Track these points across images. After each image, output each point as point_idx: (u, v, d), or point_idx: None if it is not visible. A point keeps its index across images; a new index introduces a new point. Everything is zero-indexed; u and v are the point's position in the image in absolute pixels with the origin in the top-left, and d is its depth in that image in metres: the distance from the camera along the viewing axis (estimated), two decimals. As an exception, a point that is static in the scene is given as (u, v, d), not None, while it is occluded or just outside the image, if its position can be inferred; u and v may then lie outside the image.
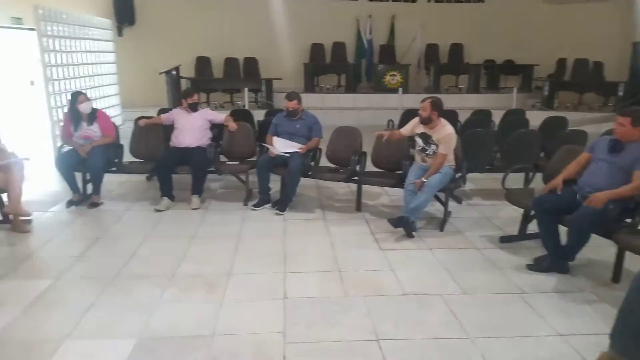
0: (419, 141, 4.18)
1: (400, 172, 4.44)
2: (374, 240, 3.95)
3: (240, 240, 3.93)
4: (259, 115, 6.24)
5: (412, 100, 9.84)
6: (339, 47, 11.94)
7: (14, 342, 2.49)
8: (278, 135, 4.75)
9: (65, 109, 5.04)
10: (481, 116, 6.56)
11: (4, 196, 4.04)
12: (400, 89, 10.23)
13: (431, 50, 12.23)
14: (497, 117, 6.53)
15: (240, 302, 2.93)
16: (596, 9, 11.52)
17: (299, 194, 4.99)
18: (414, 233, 3.95)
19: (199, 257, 3.59)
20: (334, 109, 10.25)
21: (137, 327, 2.62)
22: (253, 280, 3.22)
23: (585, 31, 11.25)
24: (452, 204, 4.57)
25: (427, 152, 4.13)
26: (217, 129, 5.14)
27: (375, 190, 5.16)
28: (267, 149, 4.71)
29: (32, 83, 8.54)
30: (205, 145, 4.86)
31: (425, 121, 4.06)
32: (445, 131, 4.00)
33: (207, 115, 5.04)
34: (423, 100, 4.06)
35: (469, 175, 4.65)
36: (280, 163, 4.61)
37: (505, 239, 3.88)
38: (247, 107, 8.59)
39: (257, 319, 2.72)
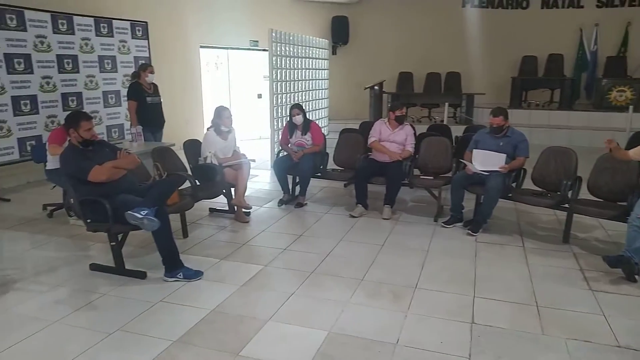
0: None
1: (625, 203, 3.80)
2: (583, 278, 3.47)
3: (428, 255, 3.89)
4: (457, 130, 6.10)
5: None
6: (555, 59, 10.84)
7: (230, 314, 2.95)
8: (478, 153, 4.56)
9: (285, 120, 5.76)
10: None
11: (232, 191, 4.82)
12: (631, 107, 8.77)
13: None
14: None
15: (425, 317, 2.91)
16: None
17: (495, 217, 4.70)
18: (636, 277, 3.34)
19: (387, 266, 3.69)
20: (543, 127, 9.37)
21: (328, 321, 2.83)
22: (439, 298, 3.16)
23: None
24: None
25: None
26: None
27: (589, 222, 4.53)
28: (464, 165, 4.57)
29: (259, 96, 9.98)
30: (402, 159, 4.97)
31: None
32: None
33: (408, 133, 5.09)
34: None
35: None
36: (477, 181, 4.42)
37: None
38: (445, 122, 8.47)
39: (442, 338, 2.66)
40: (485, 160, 4.40)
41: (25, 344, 2.58)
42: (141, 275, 3.41)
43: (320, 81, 9.57)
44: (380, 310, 2.99)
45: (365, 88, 9.40)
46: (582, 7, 11.00)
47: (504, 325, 2.80)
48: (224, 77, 9.88)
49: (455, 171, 4.77)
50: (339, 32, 11.24)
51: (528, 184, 4.52)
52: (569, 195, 4.11)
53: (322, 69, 9.74)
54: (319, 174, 5.33)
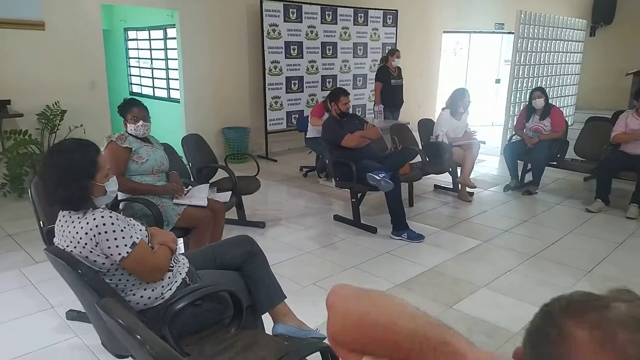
0: None
1: None
2: None
3: (681, 263, 3.41)
4: None
5: None
6: None
7: (446, 275, 3.24)
8: None
9: (523, 105, 5.59)
10: None
11: (459, 170, 5.02)
12: None
13: None
14: None
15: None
16: None
17: None
18: None
19: (622, 264, 3.41)
20: None
21: (543, 300, 2.85)
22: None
23: None
24: None
25: None
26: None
27: None
28: None
29: (497, 81, 9.70)
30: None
31: None
32: None
33: None
34: None
35: None
36: None
37: None
38: None
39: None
40: None
41: (288, 262, 3.40)
42: (373, 230, 3.99)
43: (570, 66, 8.74)
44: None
45: (628, 74, 8.17)
46: None
47: None
48: (463, 61, 9.93)
49: None
50: (602, 10, 9.95)
51: None
52: None
53: (574, 52, 8.85)
54: (554, 163, 5.07)
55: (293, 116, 7.07)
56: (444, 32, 9.32)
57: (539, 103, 5.04)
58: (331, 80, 7.46)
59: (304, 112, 7.04)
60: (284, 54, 6.77)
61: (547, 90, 5.41)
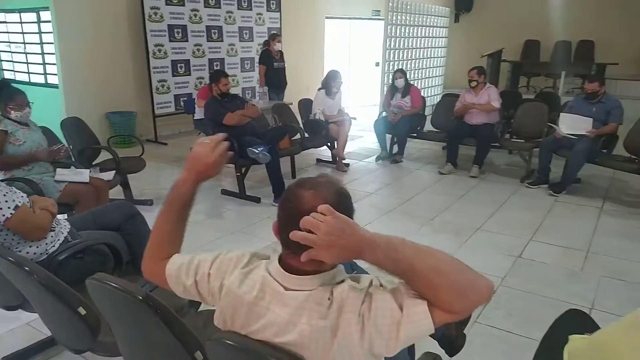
0: None
1: None
2: (653, 238, 3.61)
3: (503, 207, 4.29)
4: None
5: None
6: None
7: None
8: (570, 118, 4.69)
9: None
10: None
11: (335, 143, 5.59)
12: None
13: None
14: None
15: (477, 248, 3.42)
16: None
17: (586, 182, 4.81)
18: None
19: (459, 212, 4.19)
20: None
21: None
22: (497, 237, 3.61)
23: None
24: None
25: None
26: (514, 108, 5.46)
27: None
28: (554, 130, 4.73)
29: (377, 64, 10.54)
30: (494, 122, 5.25)
31: None
32: None
33: (491, 92, 5.29)
34: None
35: None
36: (566, 145, 4.58)
37: None
38: (560, 92, 8.21)
39: (485, 264, 3.14)
40: (572, 124, 4.52)
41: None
42: (257, 200, 4.39)
43: (437, 49, 9.79)
44: (439, 241, 3.55)
45: (483, 56, 9.38)
46: None
47: (547, 261, 3.19)
48: (345, 46, 10.61)
49: (546, 135, 4.94)
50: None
51: (621, 151, 4.55)
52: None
53: (441, 37, 9.93)
54: (414, 135, 5.85)
55: (182, 99, 7.18)
56: (327, 17, 9.89)
57: (400, 83, 5.76)
58: (218, 63, 7.65)
59: (192, 94, 7.18)
60: (167, 37, 6.83)
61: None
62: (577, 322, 1.60)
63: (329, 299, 1.00)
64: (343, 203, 1.04)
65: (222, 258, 1.16)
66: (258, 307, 1.05)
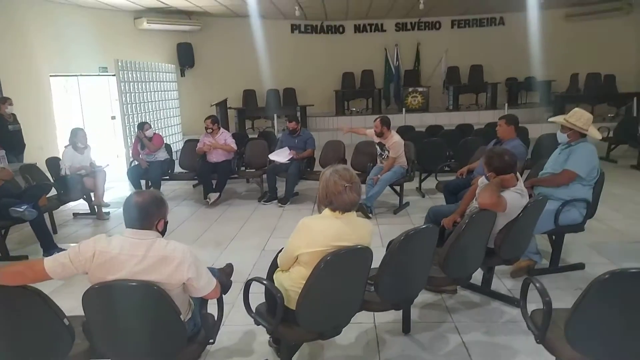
0: (378, 148, 5.62)
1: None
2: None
3: (248, 221, 5.57)
4: (279, 135, 7.92)
5: (432, 118, 11.23)
6: (367, 74, 13.51)
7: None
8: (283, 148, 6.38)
9: (135, 136, 6.99)
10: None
11: (92, 195, 5.95)
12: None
13: (452, 72, 13.42)
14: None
15: (234, 251, 4.53)
16: (614, 24, 12.23)
17: (302, 194, 6.55)
18: (370, 215, 5.34)
19: (217, 230, 5.27)
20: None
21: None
22: (248, 241, 4.82)
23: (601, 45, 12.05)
24: (414, 197, 5.92)
25: (382, 157, 5.55)
26: (244, 146, 6.91)
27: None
28: (273, 160, 6.32)
29: (113, 118, 10.87)
30: (230, 158, 6.56)
31: (379, 135, 5.50)
32: (393, 140, 5.41)
33: (226, 136, 6.68)
34: (375, 120, 5.51)
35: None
36: (284, 169, 6.21)
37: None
38: (275, 131, 10.35)
39: (241, 258, 4.25)
40: (280, 154, 6.22)
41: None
42: (24, 259, 4.49)
43: (169, 101, 10.83)
44: (205, 252, 4.50)
45: (212, 105, 10.86)
46: (385, 30, 13.82)
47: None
48: (76, 102, 10.57)
49: (269, 164, 6.52)
50: (185, 57, 12.57)
51: (317, 168, 6.45)
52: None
53: (171, 90, 11.01)
54: (167, 177, 6.70)
55: None
56: (51, 75, 9.74)
57: (150, 132, 6.56)
58: None
59: None
60: None
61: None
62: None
63: None
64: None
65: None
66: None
